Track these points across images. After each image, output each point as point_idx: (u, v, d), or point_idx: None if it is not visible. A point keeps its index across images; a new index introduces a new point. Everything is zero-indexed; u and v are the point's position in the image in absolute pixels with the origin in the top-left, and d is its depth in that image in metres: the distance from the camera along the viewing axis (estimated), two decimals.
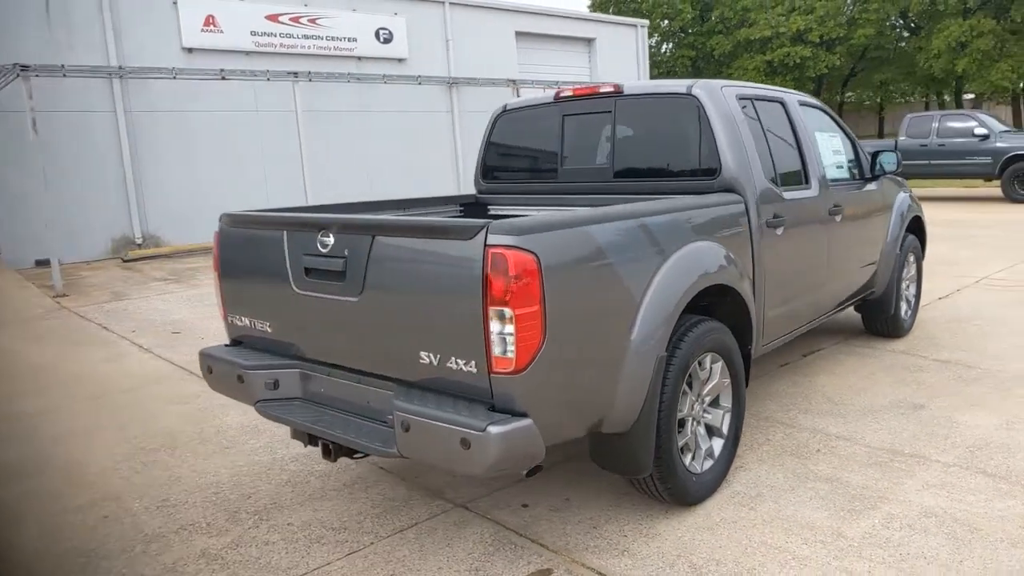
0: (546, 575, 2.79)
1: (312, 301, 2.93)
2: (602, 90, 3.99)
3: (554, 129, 4.23)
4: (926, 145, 16.91)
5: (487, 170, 4.61)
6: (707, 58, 39.85)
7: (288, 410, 3.05)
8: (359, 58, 17.54)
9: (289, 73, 12.23)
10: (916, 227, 5.83)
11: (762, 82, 34.56)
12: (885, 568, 2.72)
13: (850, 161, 4.91)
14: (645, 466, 2.88)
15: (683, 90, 3.70)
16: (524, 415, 2.39)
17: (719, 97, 3.64)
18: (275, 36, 16.20)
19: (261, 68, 13.28)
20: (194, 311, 8.35)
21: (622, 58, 24.51)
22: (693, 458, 3.20)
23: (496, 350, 2.36)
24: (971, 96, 34.48)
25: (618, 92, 3.93)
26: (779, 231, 3.78)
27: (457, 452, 2.36)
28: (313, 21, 16.81)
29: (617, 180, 3.97)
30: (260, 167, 15.55)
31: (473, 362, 2.43)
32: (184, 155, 14.42)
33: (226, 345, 3.49)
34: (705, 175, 3.62)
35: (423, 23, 18.90)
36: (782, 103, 4.21)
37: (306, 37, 16.74)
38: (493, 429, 2.29)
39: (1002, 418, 4.05)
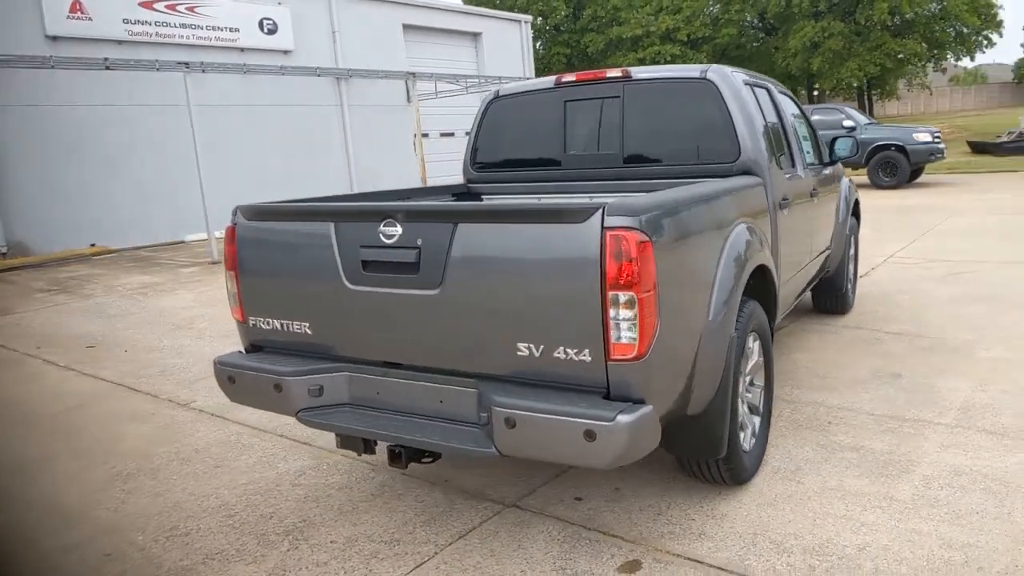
0: (635, 566, 2.73)
1: (371, 297, 2.70)
2: (609, 75, 3.95)
3: (555, 115, 4.14)
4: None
5: (479, 158, 4.45)
6: (581, 55, 40.89)
7: (340, 417, 2.81)
8: (242, 49, 16.61)
9: (179, 63, 11.35)
10: (855, 211, 6.22)
11: None
12: (948, 526, 2.86)
13: (815, 146, 5.15)
14: (722, 446, 2.88)
15: (697, 74, 3.73)
16: (642, 402, 2.31)
17: (732, 81, 3.70)
18: (150, 24, 15.04)
19: (135, 58, 12.24)
20: (103, 324, 7.60)
21: (508, 53, 24.68)
22: (743, 437, 3.24)
23: (616, 336, 2.27)
24: (817, 93, 37.36)
25: (627, 77, 3.91)
26: (786, 212, 3.90)
27: (580, 445, 2.25)
28: (192, 9, 15.75)
29: (628, 166, 3.95)
30: (136, 167, 14.40)
31: (587, 350, 2.32)
32: (48, 155, 13.11)
33: (244, 351, 3.17)
34: (724, 159, 3.67)
35: (308, 14, 18.17)
36: (767, 90, 4.34)
37: (184, 26, 15.66)
38: (623, 418, 2.20)
39: (973, 381, 4.38)
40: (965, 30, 32.45)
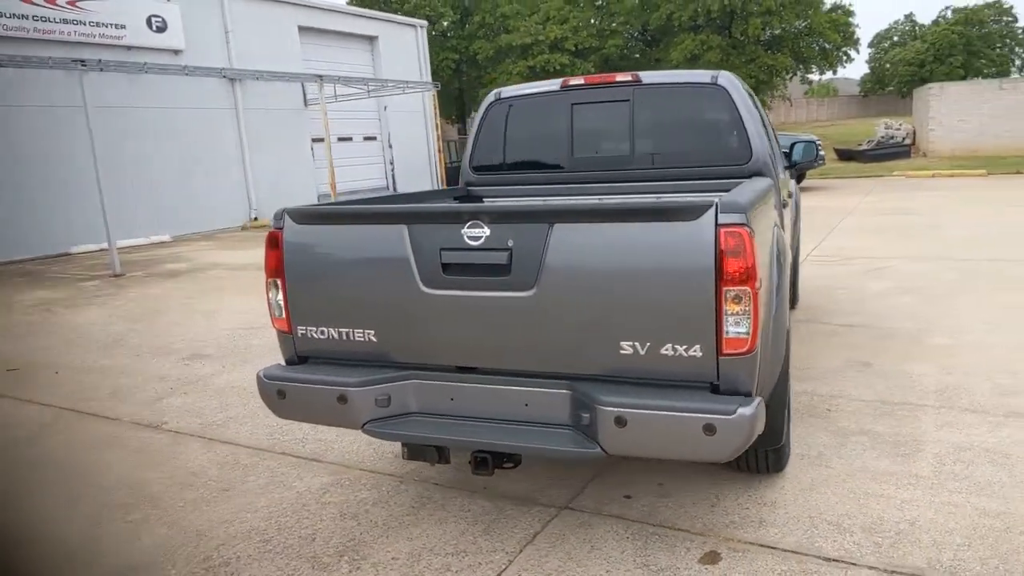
0: (715, 557, 2.78)
1: (451, 300, 2.62)
2: (619, 79, 4.02)
3: (562, 118, 4.16)
4: None
5: (478, 161, 4.40)
6: (471, 61, 41.04)
7: (413, 426, 2.70)
8: (128, 47, 15.57)
9: (75, 60, 10.47)
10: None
11: None
12: (976, 497, 3.10)
13: (781, 150, 5.44)
14: (782, 435, 2.99)
15: (708, 80, 3.86)
16: (749, 395, 2.37)
17: (739, 87, 3.86)
18: (28, 19, 13.81)
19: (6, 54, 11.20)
20: (14, 344, 6.93)
21: (404, 57, 24.44)
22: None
23: (730, 331, 2.32)
24: None
25: (637, 81, 3.98)
26: (785, 211, 4.10)
27: (698, 440, 2.28)
28: (73, 3, 14.59)
29: (639, 168, 4.03)
30: (16, 174, 13.19)
31: (697, 346, 2.35)
32: None
33: (287, 364, 2.98)
34: (738, 161, 3.81)
35: (200, 12, 17.28)
36: (751, 95, 4.55)
37: (66, 22, 14.50)
38: (744, 411, 2.25)
39: (935, 366, 4.76)
40: (828, 46, 35.24)
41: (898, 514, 3.00)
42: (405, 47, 24.76)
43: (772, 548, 2.82)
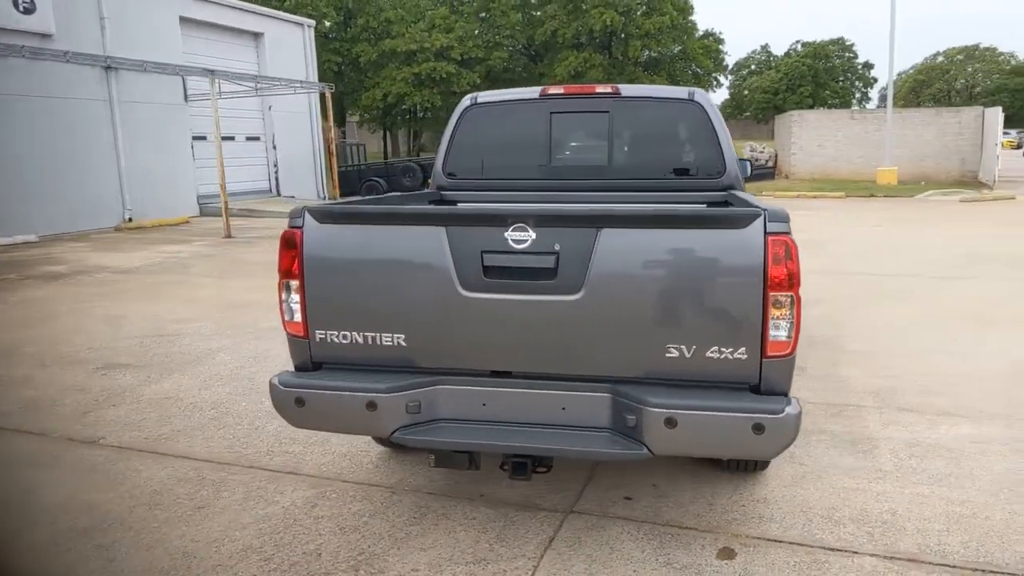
0: (731, 553, 2.90)
1: (492, 304, 2.59)
2: (599, 90, 4.11)
3: (540, 126, 4.20)
4: None
5: (452, 165, 4.35)
6: (353, 64, 40.25)
7: (446, 432, 2.64)
8: None
9: None
10: None
11: (410, 93, 36.36)
12: (939, 487, 3.41)
13: None
14: None
15: (686, 96, 4.03)
16: (785, 394, 2.51)
17: (712, 104, 4.06)
18: None
19: None
20: None
21: (290, 56, 23.67)
22: None
23: (774, 335, 2.44)
24: None
25: (616, 94, 4.09)
26: None
27: (747, 439, 2.38)
28: None
29: (616, 178, 4.13)
30: None
31: (743, 348, 2.46)
32: None
33: (298, 370, 2.83)
34: (713, 175, 4.01)
35: None
36: (719, 112, 4.79)
37: None
38: (791, 410, 2.38)
39: (863, 370, 5.18)
40: (699, 71, 37.47)
41: (878, 505, 3.25)
42: (292, 46, 23.96)
43: (779, 541, 2.98)
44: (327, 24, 39.60)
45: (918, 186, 22.21)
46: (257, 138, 22.57)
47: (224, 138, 20.27)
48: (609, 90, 4.12)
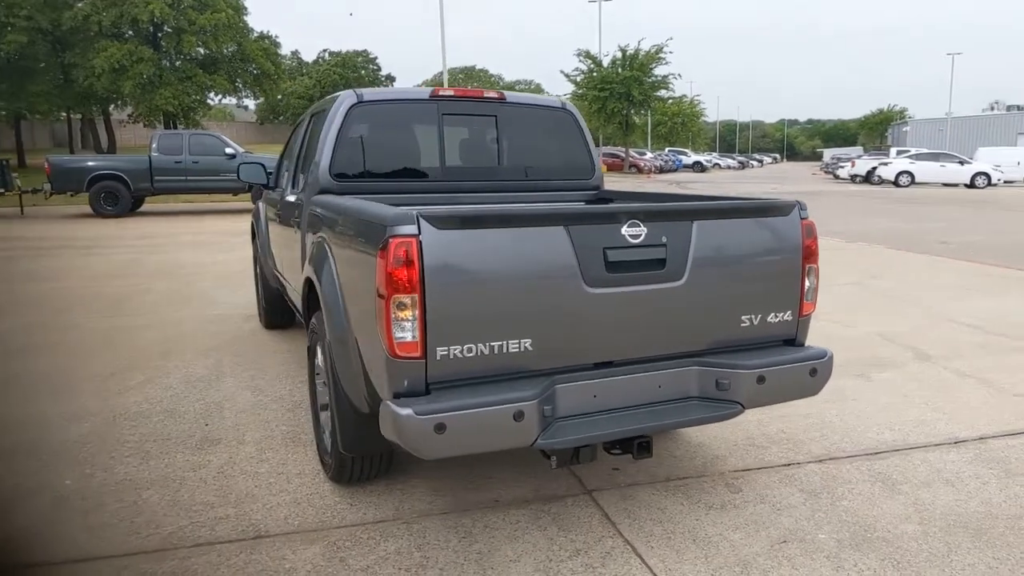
0: (737, 488, 3.49)
1: (615, 297, 2.71)
2: (487, 95, 4.23)
3: (431, 127, 4.12)
4: (181, 162, 17.93)
5: (339, 166, 3.95)
6: None
7: (572, 429, 2.68)
8: None
9: None
10: None
11: None
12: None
13: None
14: None
15: (559, 105, 4.44)
16: (803, 345, 3.20)
17: (579, 112, 4.56)
18: None
19: None
20: None
21: None
22: None
23: (807, 297, 3.10)
24: (127, 117, 36.01)
25: (502, 99, 4.27)
26: None
27: (806, 382, 3.01)
28: None
29: (505, 180, 4.32)
30: None
31: (788, 312, 3.06)
32: None
33: (407, 396, 2.50)
34: (585, 176, 4.51)
35: None
36: None
37: None
38: (830, 352, 3.08)
39: None
40: (257, 71, 36.33)
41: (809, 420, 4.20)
42: None
43: (769, 468, 3.68)
44: None
45: None
46: None
47: None
48: (495, 96, 4.28)
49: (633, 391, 2.85)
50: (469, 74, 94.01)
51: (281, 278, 5.42)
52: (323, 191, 3.95)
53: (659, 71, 43.27)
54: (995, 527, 3.11)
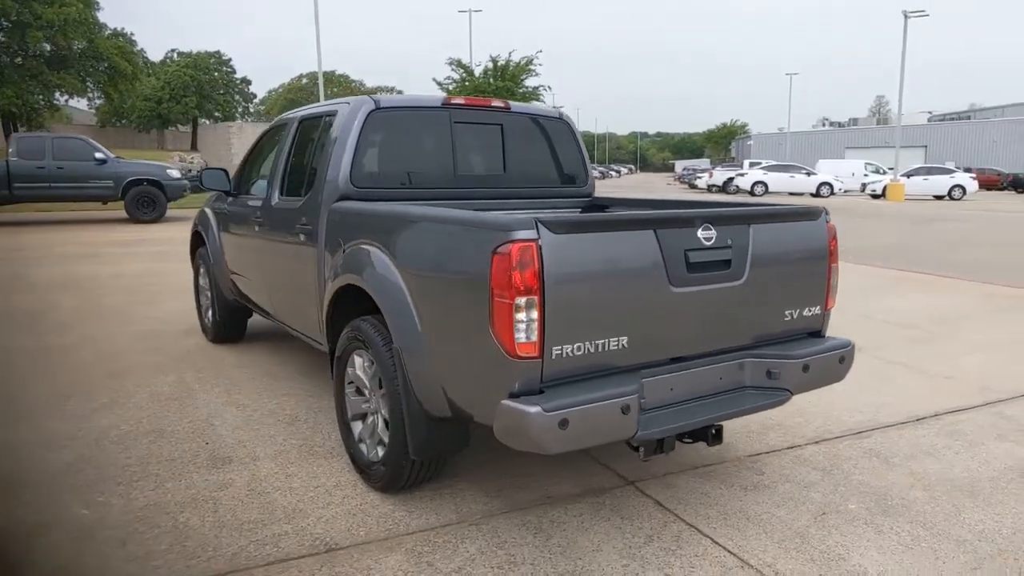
0: (760, 470, 3.79)
1: (692, 296, 2.92)
2: (494, 104, 4.33)
3: (444, 134, 4.16)
4: (44, 167, 16.48)
5: (358, 172, 3.90)
6: None
7: (661, 420, 2.87)
8: None
9: None
10: None
11: None
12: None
13: None
14: None
15: (556, 114, 4.61)
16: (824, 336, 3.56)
17: (574, 121, 4.75)
18: None
19: None
20: None
21: None
22: None
23: (832, 293, 3.45)
24: None
25: (507, 109, 4.38)
26: None
27: (837, 368, 3.36)
28: None
29: (510, 187, 4.43)
30: None
31: (818, 307, 3.39)
32: None
33: (521, 396, 2.58)
34: (579, 183, 4.71)
35: None
36: None
37: None
38: (852, 343, 3.44)
39: None
40: (112, 71, 33.65)
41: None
42: None
43: (784, 450, 4.00)
44: None
45: None
46: None
47: None
48: (501, 105, 4.38)
49: (700, 383, 3.07)
50: (329, 79, 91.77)
51: (249, 289, 5.22)
52: (343, 197, 3.89)
53: (530, 82, 44.30)
54: (983, 488, 3.59)
